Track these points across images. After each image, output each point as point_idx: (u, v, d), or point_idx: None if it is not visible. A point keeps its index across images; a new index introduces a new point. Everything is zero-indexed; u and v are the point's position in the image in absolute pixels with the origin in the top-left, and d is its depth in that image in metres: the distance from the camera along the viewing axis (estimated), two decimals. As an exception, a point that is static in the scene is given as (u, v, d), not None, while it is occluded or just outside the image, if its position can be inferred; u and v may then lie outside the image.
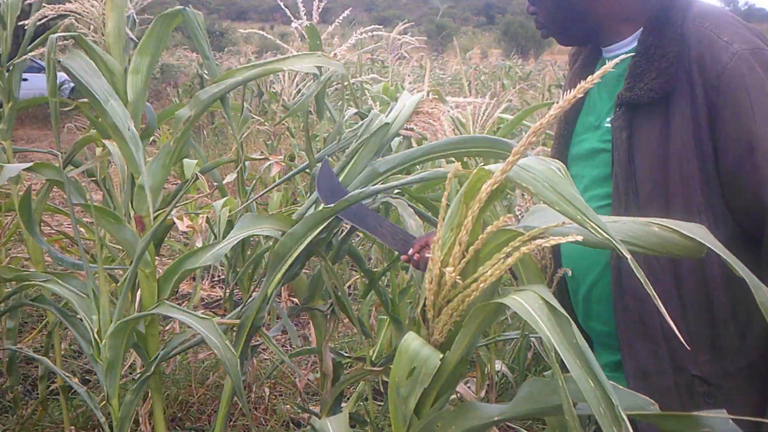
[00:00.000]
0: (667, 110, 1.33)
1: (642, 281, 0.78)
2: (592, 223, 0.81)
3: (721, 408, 0.98)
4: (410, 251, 1.49)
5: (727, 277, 0.99)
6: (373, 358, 2.36)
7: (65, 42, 1.79)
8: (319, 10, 2.43)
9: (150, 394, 1.93)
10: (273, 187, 3.37)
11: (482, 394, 2.66)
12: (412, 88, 4.88)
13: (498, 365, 2.76)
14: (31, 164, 1.73)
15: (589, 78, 0.81)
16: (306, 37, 2.00)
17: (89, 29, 1.78)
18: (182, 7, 1.72)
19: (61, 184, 1.78)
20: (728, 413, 1.17)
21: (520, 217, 1.66)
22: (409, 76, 6.04)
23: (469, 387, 2.75)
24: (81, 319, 1.65)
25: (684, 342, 0.82)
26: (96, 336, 1.55)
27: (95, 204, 1.70)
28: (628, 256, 0.79)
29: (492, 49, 38.10)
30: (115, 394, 1.57)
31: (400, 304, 2.51)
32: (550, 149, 1.68)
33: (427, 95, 2.67)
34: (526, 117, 3.46)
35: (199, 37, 1.75)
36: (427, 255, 1.42)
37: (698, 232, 0.88)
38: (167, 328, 3.07)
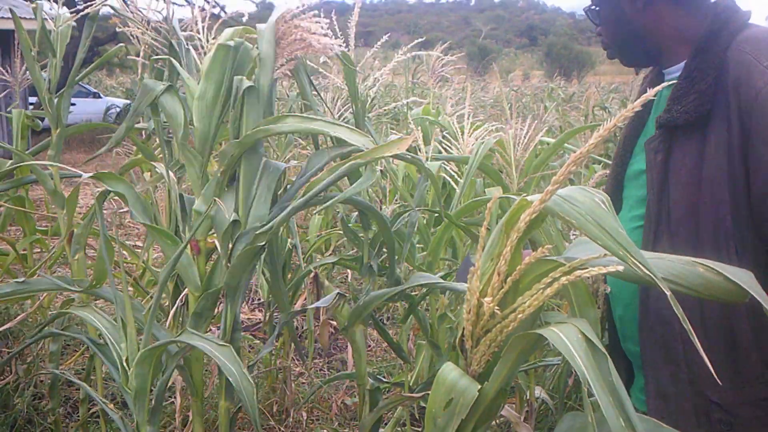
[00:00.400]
0: (704, 133, 1.34)
1: (678, 314, 0.77)
2: (633, 259, 0.81)
3: None
4: None
5: (752, 306, 1.00)
6: (411, 384, 2.34)
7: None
8: (354, 33, 2.46)
9: (191, 418, 1.94)
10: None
11: (521, 420, 2.61)
12: (453, 111, 4.89)
13: (537, 392, 2.71)
14: (104, 172, 1.74)
15: (636, 102, 0.81)
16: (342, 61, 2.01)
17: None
18: (238, 40, 1.73)
19: (124, 198, 1.80)
20: None
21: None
22: (450, 98, 6.06)
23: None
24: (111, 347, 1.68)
25: (709, 365, 0.80)
26: (125, 364, 1.57)
27: (155, 226, 1.73)
28: (668, 293, 0.78)
29: (534, 71, 38.05)
30: (144, 422, 1.59)
31: (439, 329, 2.49)
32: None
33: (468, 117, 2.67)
34: (569, 139, 3.43)
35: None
36: None
37: (743, 278, 0.87)
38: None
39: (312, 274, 2.87)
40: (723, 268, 0.87)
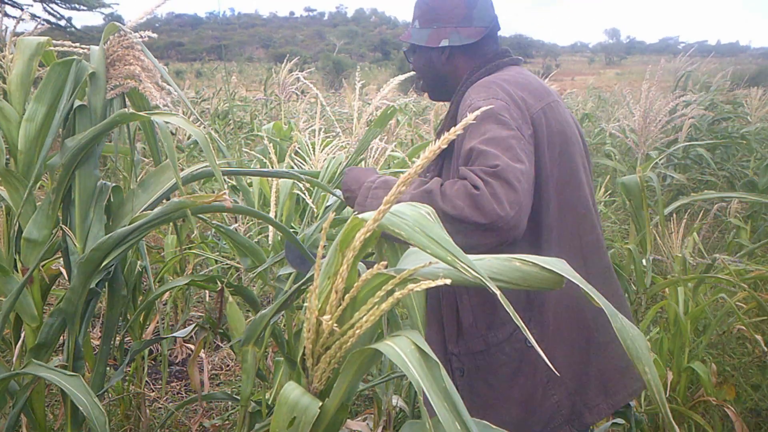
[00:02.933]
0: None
1: (503, 303, 0.86)
2: (461, 263, 0.85)
3: (469, 382, 1.76)
4: None
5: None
6: (269, 402, 2.33)
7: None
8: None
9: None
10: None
11: (379, 430, 2.66)
12: (306, 126, 4.89)
13: (395, 400, 2.77)
14: None
15: (445, 136, 0.87)
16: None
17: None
18: (76, 58, 1.67)
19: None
20: (470, 389, 1.79)
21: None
22: (305, 113, 6.08)
23: (367, 423, 2.75)
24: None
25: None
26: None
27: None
28: (498, 292, 0.83)
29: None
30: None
31: (297, 346, 2.49)
32: None
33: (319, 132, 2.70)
34: (417, 154, 3.54)
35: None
36: None
37: (557, 265, 0.93)
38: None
39: (219, 288, 2.78)
40: (537, 259, 0.93)
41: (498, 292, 0.84)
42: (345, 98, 18.25)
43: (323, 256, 0.96)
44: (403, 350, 0.85)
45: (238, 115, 9.86)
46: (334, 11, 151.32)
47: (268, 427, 1.99)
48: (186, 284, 2.46)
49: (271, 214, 2.43)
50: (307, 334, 0.95)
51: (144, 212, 1.66)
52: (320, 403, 0.93)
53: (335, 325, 0.92)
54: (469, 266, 0.85)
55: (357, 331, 0.91)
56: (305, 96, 6.85)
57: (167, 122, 1.54)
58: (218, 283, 2.36)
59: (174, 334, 2.22)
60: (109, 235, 1.47)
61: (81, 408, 1.38)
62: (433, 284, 0.88)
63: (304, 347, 0.97)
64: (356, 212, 1.75)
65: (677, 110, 3.82)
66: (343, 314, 0.94)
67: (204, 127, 1.69)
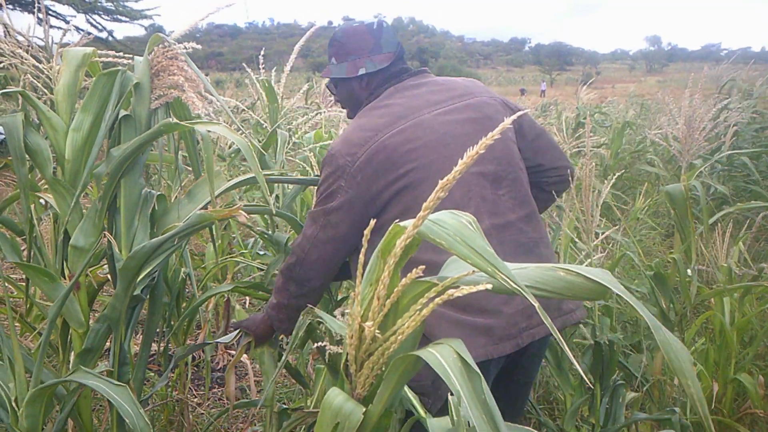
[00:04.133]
0: None
1: (546, 322, 0.83)
2: (501, 275, 0.85)
3: None
4: None
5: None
6: (310, 409, 2.34)
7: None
8: (263, 65, 2.60)
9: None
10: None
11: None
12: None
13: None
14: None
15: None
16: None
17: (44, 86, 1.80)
18: (121, 68, 1.71)
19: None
20: None
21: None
22: (343, 122, 6.11)
23: None
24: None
25: None
26: (14, 404, 1.51)
27: (29, 264, 1.68)
28: (536, 304, 0.83)
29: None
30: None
31: (338, 353, 2.50)
32: None
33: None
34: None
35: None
36: None
37: (602, 276, 0.92)
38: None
39: (225, 299, 2.82)
40: (581, 269, 0.92)
41: (536, 304, 0.84)
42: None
43: (365, 264, 0.97)
44: (446, 359, 0.86)
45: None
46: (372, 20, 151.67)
47: (294, 425, 2.02)
48: (229, 290, 2.48)
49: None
50: (350, 341, 0.95)
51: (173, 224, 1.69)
52: (364, 409, 0.93)
53: (377, 331, 0.93)
54: (509, 277, 0.85)
55: (399, 337, 0.91)
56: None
57: (209, 131, 1.56)
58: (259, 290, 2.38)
59: (217, 340, 2.24)
60: (142, 245, 1.50)
61: (126, 419, 1.41)
62: (474, 290, 0.88)
63: (347, 354, 0.97)
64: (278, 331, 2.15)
65: (719, 116, 3.76)
66: (385, 321, 0.94)
67: (245, 136, 1.72)
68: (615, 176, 2.72)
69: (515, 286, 0.84)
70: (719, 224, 3.19)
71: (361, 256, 0.95)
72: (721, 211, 3.21)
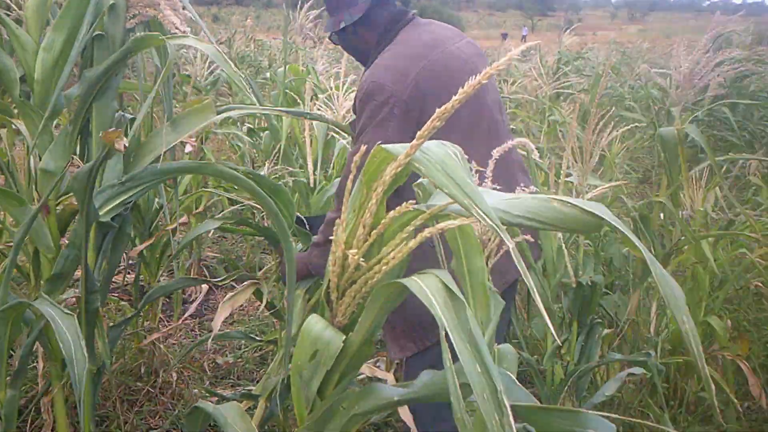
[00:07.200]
0: None
1: (519, 267, 0.81)
2: (477, 209, 0.81)
3: None
4: None
5: None
6: (284, 342, 2.34)
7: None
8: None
9: (51, 383, 1.86)
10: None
11: (392, 372, 2.67)
12: (324, 70, 4.83)
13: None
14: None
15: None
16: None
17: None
18: None
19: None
20: None
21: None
22: (321, 57, 5.99)
23: (379, 366, 2.77)
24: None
25: None
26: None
27: (-1, 187, 1.63)
28: (511, 245, 0.79)
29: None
30: (4, 385, 1.50)
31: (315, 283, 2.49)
32: None
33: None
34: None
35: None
36: None
37: (597, 208, 0.88)
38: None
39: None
40: (576, 201, 0.88)
41: (512, 245, 0.80)
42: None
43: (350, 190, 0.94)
44: (430, 287, 0.83)
45: (256, 60, 9.76)
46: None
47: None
48: (218, 228, 2.40)
49: (308, 157, 2.70)
50: (333, 267, 0.93)
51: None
52: (344, 337, 0.91)
53: (362, 259, 0.90)
54: (485, 212, 0.81)
55: (384, 267, 0.89)
56: (323, 42, 6.75)
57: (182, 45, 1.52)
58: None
59: (213, 280, 2.29)
60: (84, 167, 1.43)
61: (63, 349, 1.36)
62: (463, 222, 0.85)
63: (329, 281, 0.95)
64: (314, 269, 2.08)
65: (724, 65, 3.78)
66: (370, 249, 0.92)
67: (218, 50, 1.64)
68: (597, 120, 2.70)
69: (491, 223, 0.80)
70: (694, 172, 3.21)
71: (349, 183, 0.92)
72: (706, 162, 3.22)
